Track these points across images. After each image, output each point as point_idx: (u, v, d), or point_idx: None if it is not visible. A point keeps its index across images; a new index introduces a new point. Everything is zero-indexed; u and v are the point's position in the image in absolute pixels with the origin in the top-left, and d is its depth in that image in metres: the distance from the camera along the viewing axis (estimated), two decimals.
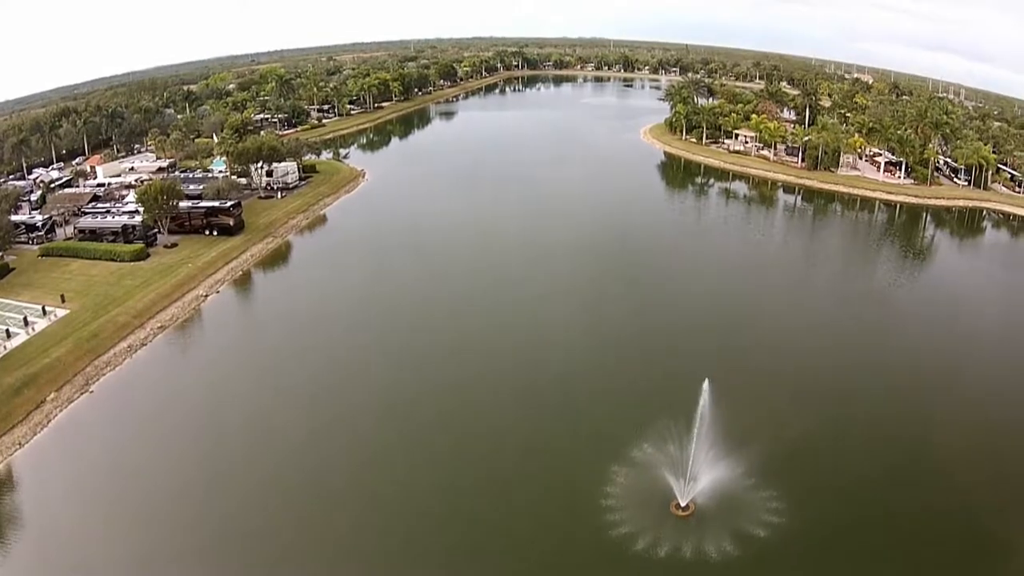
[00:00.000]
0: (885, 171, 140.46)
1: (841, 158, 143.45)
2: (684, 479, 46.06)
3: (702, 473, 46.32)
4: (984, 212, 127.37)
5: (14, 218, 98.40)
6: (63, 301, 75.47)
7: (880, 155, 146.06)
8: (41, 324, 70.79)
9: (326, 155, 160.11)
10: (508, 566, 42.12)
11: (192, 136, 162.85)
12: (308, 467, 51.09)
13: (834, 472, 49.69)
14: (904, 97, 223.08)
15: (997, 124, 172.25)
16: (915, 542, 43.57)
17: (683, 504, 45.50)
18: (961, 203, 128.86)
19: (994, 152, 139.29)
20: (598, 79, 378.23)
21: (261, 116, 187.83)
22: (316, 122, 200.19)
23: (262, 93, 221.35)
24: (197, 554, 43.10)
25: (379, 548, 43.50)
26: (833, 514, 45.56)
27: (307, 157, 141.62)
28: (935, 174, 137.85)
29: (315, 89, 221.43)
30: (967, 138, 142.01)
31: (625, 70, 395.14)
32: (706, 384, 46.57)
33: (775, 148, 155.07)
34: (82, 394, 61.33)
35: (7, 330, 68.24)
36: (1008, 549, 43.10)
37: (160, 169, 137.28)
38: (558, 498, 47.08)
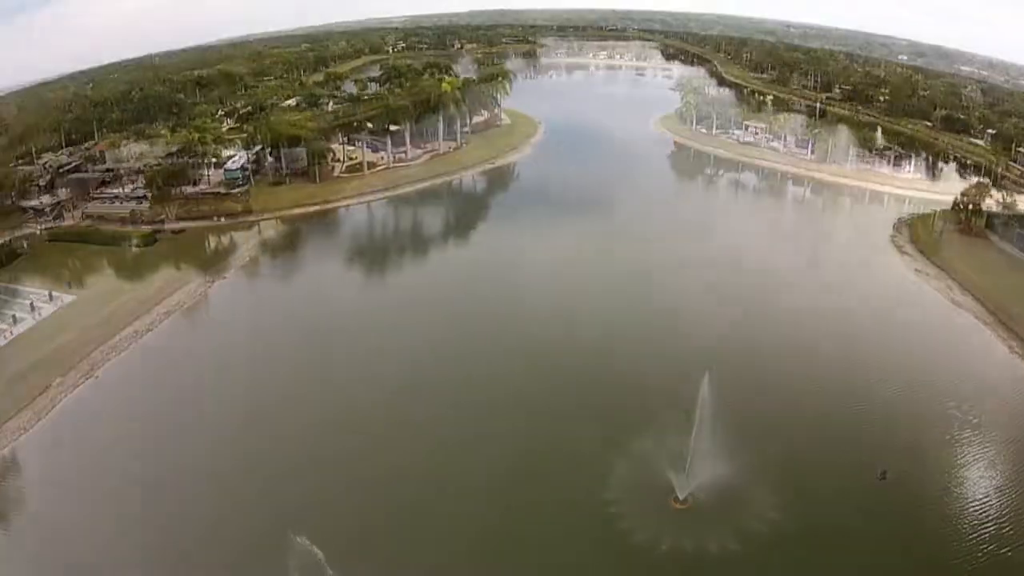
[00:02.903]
0: (895, 165, 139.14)
1: (851, 152, 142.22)
2: (683, 473, 46.14)
3: (701, 467, 46.29)
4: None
5: (23, 203, 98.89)
6: (70, 287, 75.96)
7: (891, 149, 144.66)
8: (48, 309, 71.29)
9: None
10: (507, 559, 42.37)
11: (202, 120, 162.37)
12: (312, 455, 51.40)
13: (833, 468, 49.54)
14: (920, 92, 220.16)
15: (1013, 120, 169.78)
16: (912, 540, 43.58)
17: (681, 498, 45.62)
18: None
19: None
20: (610, 67, 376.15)
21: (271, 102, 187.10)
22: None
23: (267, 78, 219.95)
24: (200, 540, 43.63)
25: (382, 543, 43.70)
26: (831, 509, 45.52)
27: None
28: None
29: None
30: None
31: (638, 59, 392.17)
32: (706, 378, 46.52)
33: (785, 140, 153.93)
34: (88, 380, 61.79)
35: (13, 316, 68.80)
36: (1010, 546, 43.10)
37: (169, 154, 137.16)
38: (559, 492, 47.04)
